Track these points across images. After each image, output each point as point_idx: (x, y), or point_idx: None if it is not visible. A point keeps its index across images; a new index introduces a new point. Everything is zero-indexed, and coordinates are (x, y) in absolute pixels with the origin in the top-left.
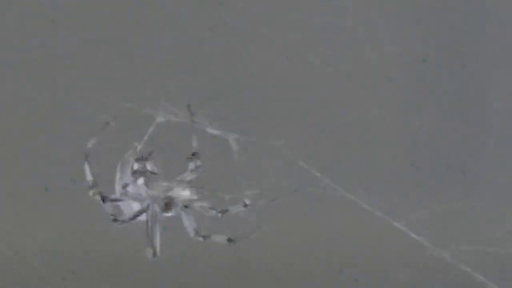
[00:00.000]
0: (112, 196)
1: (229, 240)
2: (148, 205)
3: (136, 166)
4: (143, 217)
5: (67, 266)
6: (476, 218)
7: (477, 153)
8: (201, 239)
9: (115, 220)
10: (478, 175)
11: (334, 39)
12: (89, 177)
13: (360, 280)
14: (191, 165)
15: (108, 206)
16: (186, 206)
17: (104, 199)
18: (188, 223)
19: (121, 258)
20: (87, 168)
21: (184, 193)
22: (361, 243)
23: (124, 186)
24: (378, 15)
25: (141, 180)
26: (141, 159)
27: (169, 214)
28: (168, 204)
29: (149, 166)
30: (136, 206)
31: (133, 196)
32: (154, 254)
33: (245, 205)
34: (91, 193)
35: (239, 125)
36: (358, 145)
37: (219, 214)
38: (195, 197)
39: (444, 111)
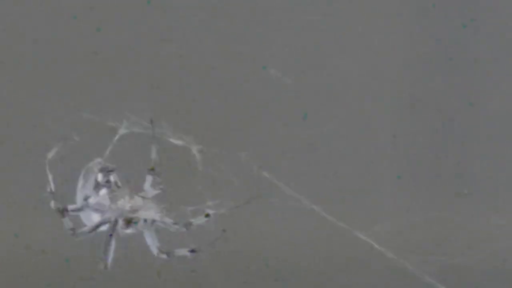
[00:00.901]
0: (73, 206)
1: (192, 251)
2: (108, 218)
3: (100, 177)
4: (102, 228)
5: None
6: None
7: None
8: (165, 256)
9: (73, 233)
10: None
11: (300, 51)
12: (50, 188)
13: None
14: (150, 179)
15: (67, 220)
16: (147, 223)
17: (63, 213)
18: (151, 240)
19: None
20: (49, 178)
21: (146, 212)
22: (323, 253)
23: (86, 198)
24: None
25: (103, 192)
26: (105, 170)
27: (129, 231)
28: (129, 222)
29: (112, 178)
30: (96, 218)
31: (94, 207)
32: (105, 267)
33: (207, 215)
34: (52, 204)
35: (203, 136)
36: (321, 157)
37: (183, 229)
38: (157, 216)
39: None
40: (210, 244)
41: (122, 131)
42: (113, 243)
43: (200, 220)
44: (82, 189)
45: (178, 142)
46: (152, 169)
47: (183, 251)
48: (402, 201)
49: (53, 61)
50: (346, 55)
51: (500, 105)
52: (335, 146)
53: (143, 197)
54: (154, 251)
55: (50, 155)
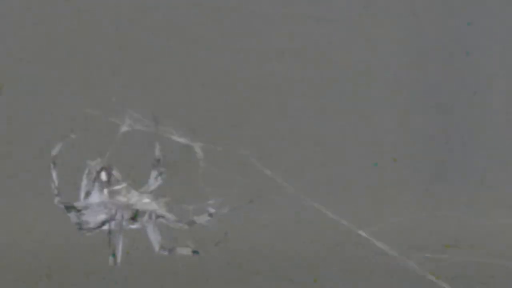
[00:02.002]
0: (77, 204)
1: (194, 252)
2: (113, 214)
3: (102, 176)
4: (107, 226)
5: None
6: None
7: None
8: (166, 253)
9: (80, 228)
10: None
11: (300, 48)
12: (54, 184)
13: None
14: (154, 173)
15: (72, 215)
16: (151, 218)
17: (68, 208)
18: (153, 236)
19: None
20: (53, 175)
21: (149, 204)
22: (325, 250)
23: (87, 194)
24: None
25: (106, 190)
26: (106, 168)
27: (134, 226)
28: (133, 216)
29: (114, 176)
30: (101, 215)
31: (97, 204)
32: (115, 262)
33: (210, 215)
34: (56, 200)
35: (206, 134)
36: (326, 155)
37: (185, 226)
38: (160, 208)
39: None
40: (212, 246)
41: (124, 128)
42: (121, 239)
43: (203, 218)
44: (85, 187)
45: (181, 140)
46: (156, 164)
47: (186, 250)
48: (407, 198)
49: (55, 58)
50: (349, 52)
51: (502, 102)
52: (339, 144)
53: (145, 190)
54: (156, 247)
55: (54, 151)
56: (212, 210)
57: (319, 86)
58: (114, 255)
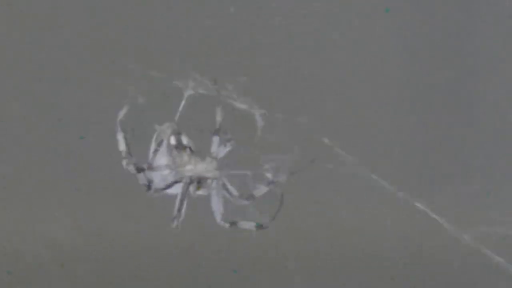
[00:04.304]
0: (145, 166)
1: (258, 226)
2: (181, 178)
3: (172, 140)
4: (173, 190)
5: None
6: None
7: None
8: (227, 225)
9: (148, 188)
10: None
11: (358, 16)
12: (122, 148)
13: (375, 261)
14: (216, 140)
15: (141, 176)
16: (215, 186)
17: (138, 169)
18: (216, 206)
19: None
20: (120, 139)
21: (212, 172)
22: (380, 222)
23: (156, 157)
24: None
25: (175, 153)
26: (175, 133)
27: (200, 193)
28: (200, 183)
29: (184, 140)
30: (169, 177)
31: (166, 167)
32: (177, 226)
33: (269, 184)
34: (124, 163)
35: (266, 101)
36: (381, 125)
37: (245, 201)
38: (222, 176)
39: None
40: (273, 218)
41: (188, 92)
42: (185, 203)
43: (261, 190)
44: (155, 151)
45: (242, 106)
46: (218, 130)
47: (249, 225)
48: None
49: (120, 22)
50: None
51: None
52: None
53: (213, 157)
54: (218, 217)
55: (121, 114)
56: (269, 176)
57: (374, 56)
58: (177, 218)
